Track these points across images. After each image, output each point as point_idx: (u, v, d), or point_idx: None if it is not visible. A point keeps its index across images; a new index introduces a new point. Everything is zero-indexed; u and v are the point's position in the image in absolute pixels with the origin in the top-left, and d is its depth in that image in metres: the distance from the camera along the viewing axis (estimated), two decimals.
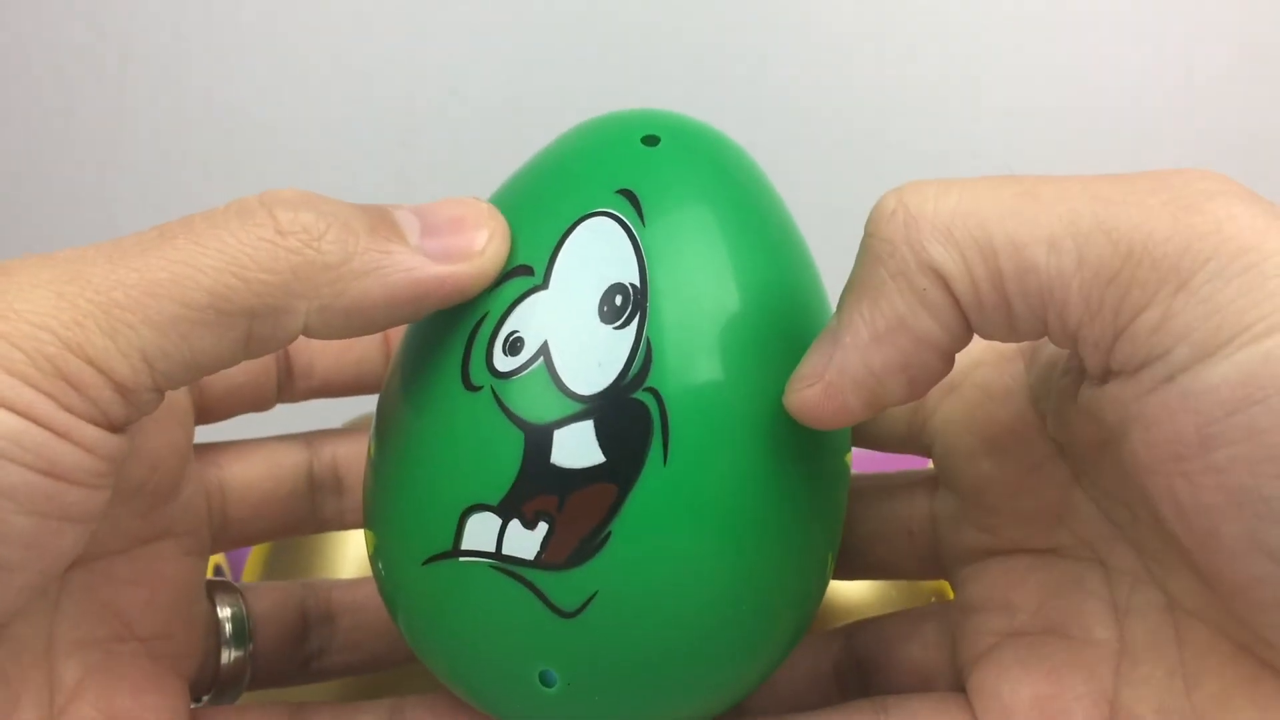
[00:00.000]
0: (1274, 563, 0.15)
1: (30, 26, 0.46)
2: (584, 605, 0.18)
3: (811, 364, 0.18)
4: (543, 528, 0.18)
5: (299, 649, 0.24)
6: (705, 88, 0.46)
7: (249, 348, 0.18)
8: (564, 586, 0.18)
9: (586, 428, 0.18)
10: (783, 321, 0.19)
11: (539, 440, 0.18)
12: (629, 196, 0.19)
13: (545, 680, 0.19)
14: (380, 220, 0.18)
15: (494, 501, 0.18)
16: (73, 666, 0.20)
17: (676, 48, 0.46)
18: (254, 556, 0.32)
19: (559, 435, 0.18)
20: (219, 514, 0.23)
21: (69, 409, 0.16)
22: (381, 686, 0.27)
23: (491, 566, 0.18)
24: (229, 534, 0.23)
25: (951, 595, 0.26)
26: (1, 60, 0.46)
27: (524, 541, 0.18)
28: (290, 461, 0.24)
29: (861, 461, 0.23)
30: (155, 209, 0.48)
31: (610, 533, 0.18)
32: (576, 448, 0.18)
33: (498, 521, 0.18)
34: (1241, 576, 0.16)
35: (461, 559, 0.18)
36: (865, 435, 0.23)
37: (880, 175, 0.47)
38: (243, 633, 0.23)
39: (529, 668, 0.19)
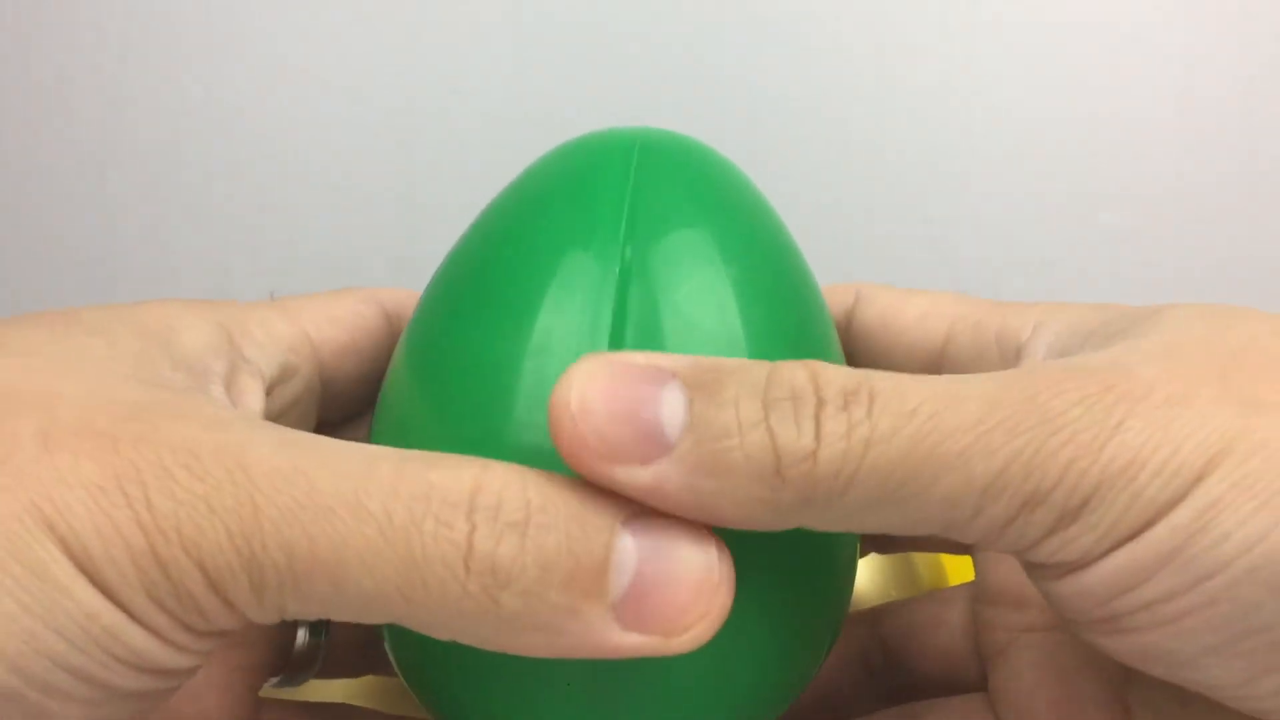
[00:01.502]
0: (1201, 686, 0.17)
1: (30, 26, 0.46)
2: None
3: (614, 431, 0.16)
4: None
5: (378, 644, 0.24)
6: (704, 88, 0.46)
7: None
8: None
9: None
10: (786, 350, 0.19)
11: None
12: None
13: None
14: (592, 562, 0.15)
15: None
16: None
17: (676, 48, 0.46)
18: None
19: None
20: None
21: (185, 624, 0.15)
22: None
23: None
24: None
25: (949, 580, 0.26)
26: (1, 60, 0.46)
27: None
28: None
29: None
30: (155, 209, 0.48)
31: None
32: None
33: None
34: (1178, 683, 0.17)
35: None
36: None
37: (876, 180, 0.47)
38: (320, 621, 0.23)
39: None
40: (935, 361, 0.22)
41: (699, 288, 0.18)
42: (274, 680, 0.23)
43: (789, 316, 0.20)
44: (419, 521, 0.15)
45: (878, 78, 0.46)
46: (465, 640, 0.16)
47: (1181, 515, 0.15)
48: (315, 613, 0.15)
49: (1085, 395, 0.16)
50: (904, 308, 0.23)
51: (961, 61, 0.46)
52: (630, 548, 0.16)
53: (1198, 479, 0.15)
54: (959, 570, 0.32)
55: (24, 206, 0.48)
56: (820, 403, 0.16)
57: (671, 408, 0.16)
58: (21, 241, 0.49)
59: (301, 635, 0.23)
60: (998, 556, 0.23)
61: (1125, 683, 0.20)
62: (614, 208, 0.19)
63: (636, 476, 0.16)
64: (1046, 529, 0.16)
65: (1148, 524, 0.15)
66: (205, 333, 0.19)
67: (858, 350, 0.23)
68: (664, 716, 0.18)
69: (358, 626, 0.23)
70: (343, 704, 0.24)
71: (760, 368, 0.16)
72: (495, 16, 0.45)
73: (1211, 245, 0.47)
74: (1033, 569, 0.17)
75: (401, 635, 0.20)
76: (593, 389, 0.16)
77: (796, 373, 0.16)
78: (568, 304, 0.18)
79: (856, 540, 0.21)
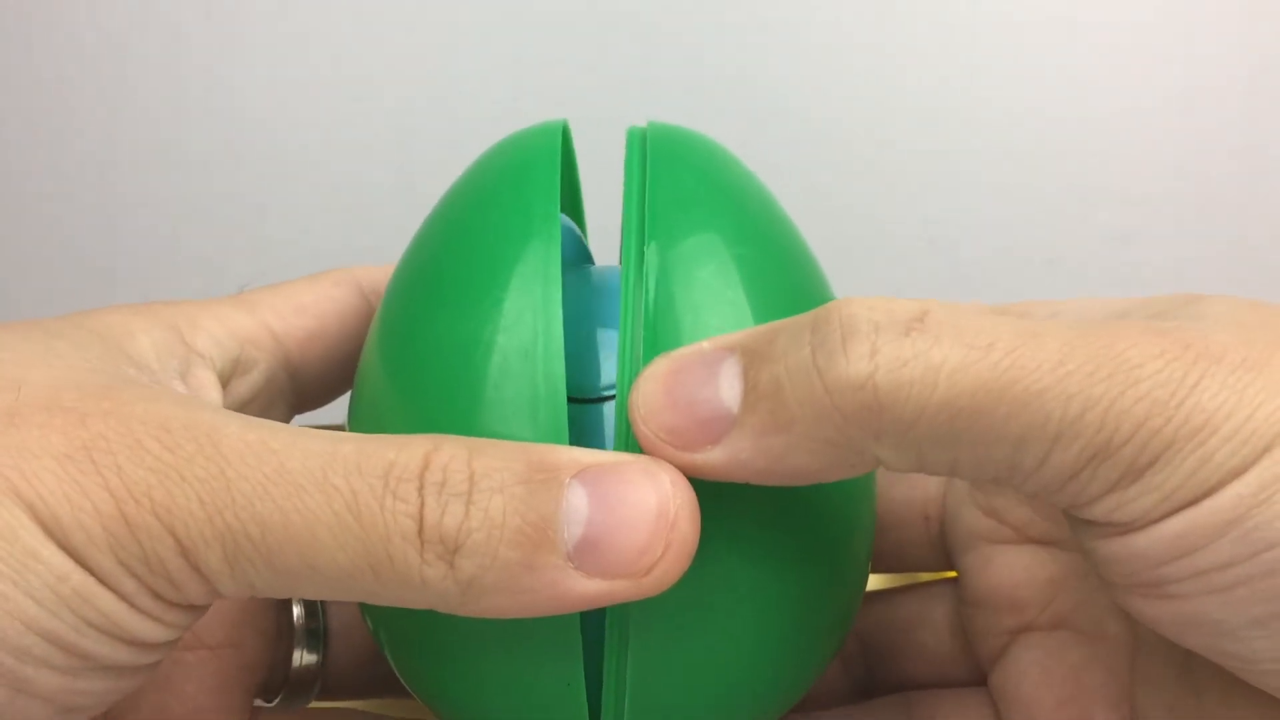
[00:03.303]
0: (1235, 659, 0.16)
1: (30, 26, 0.46)
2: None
3: (683, 422, 0.16)
4: None
5: (379, 664, 0.24)
6: (703, 87, 0.46)
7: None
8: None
9: None
10: None
11: None
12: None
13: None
14: (537, 516, 0.15)
15: None
16: None
17: (674, 49, 0.46)
18: None
19: None
20: None
21: (157, 594, 0.15)
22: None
23: None
24: None
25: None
26: (1, 60, 0.46)
27: None
28: None
29: None
30: (155, 209, 0.48)
31: None
32: None
33: None
34: (1210, 655, 0.17)
35: None
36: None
37: (876, 179, 0.47)
38: (317, 639, 0.23)
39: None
40: None
41: (716, 281, 0.18)
42: (273, 702, 0.23)
43: (804, 304, 0.19)
44: (379, 498, 0.15)
45: (877, 77, 0.46)
46: (440, 609, 0.16)
47: (1247, 484, 0.15)
48: (286, 588, 0.15)
49: (1164, 350, 0.15)
50: None
51: (961, 61, 0.46)
52: (580, 497, 0.16)
53: (1266, 449, 0.15)
54: None
55: (24, 206, 0.48)
56: (875, 329, 0.15)
57: (728, 381, 0.16)
58: (21, 241, 0.49)
59: (299, 654, 0.23)
60: (985, 558, 0.22)
61: (1132, 679, 0.20)
62: (630, 202, 0.19)
63: (712, 457, 0.16)
64: (1109, 485, 0.15)
65: (1211, 490, 0.15)
66: (156, 335, 0.20)
67: None
68: (675, 713, 0.18)
69: (358, 645, 0.23)
70: (346, 708, 0.24)
71: (809, 314, 0.16)
72: (497, 18, 0.45)
73: (1211, 245, 0.47)
74: (1082, 526, 0.17)
75: (398, 640, 0.20)
76: (651, 388, 0.16)
77: (849, 306, 0.16)
78: (524, 288, 0.18)
79: (873, 525, 0.21)
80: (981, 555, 0.22)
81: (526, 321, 0.18)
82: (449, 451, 0.16)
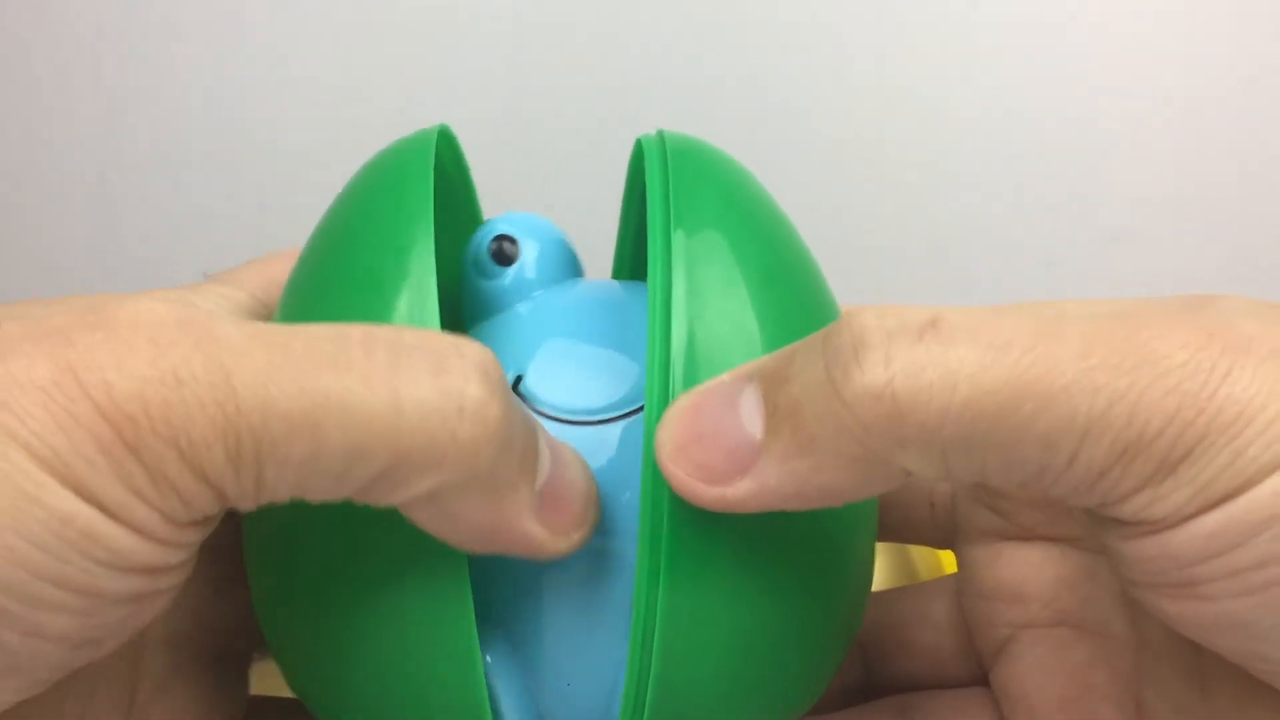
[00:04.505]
0: (1265, 661, 0.16)
1: (30, 26, 0.46)
2: None
3: (709, 456, 0.16)
4: None
5: None
6: (704, 87, 0.46)
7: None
8: None
9: None
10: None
11: None
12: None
13: None
14: (530, 446, 0.16)
15: None
16: (160, 663, 0.19)
17: (674, 49, 0.46)
18: None
19: None
20: None
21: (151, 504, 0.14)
22: None
23: None
24: None
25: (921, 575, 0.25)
26: (1, 60, 0.46)
27: None
28: None
29: None
30: (155, 209, 0.48)
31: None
32: None
33: None
34: (1236, 658, 0.16)
35: None
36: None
37: (876, 180, 0.47)
38: None
39: None
40: None
41: (744, 314, 0.18)
42: None
43: (809, 311, 0.19)
44: (404, 370, 0.15)
45: (877, 77, 0.46)
46: (430, 489, 0.15)
47: None
48: (294, 480, 0.15)
49: (1188, 340, 0.15)
50: None
51: (962, 62, 0.46)
52: (545, 446, 0.17)
53: None
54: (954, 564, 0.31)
55: (24, 206, 0.48)
56: (888, 337, 0.15)
57: (750, 409, 0.16)
58: (22, 241, 0.49)
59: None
60: (993, 553, 0.22)
61: (1138, 677, 0.20)
62: (656, 213, 0.18)
63: (742, 489, 0.16)
64: (1142, 480, 0.15)
65: (1247, 484, 0.14)
66: (166, 298, 0.19)
67: None
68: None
69: None
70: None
71: (821, 331, 0.16)
72: (496, 23, 0.45)
73: (1211, 245, 0.47)
74: (1109, 525, 0.16)
75: (296, 655, 0.19)
76: (675, 425, 0.16)
77: (859, 317, 0.15)
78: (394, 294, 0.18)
79: (875, 529, 0.20)
80: (989, 550, 0.22)
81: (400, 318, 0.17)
82: (480, 348, 0.16)
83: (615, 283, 0.22)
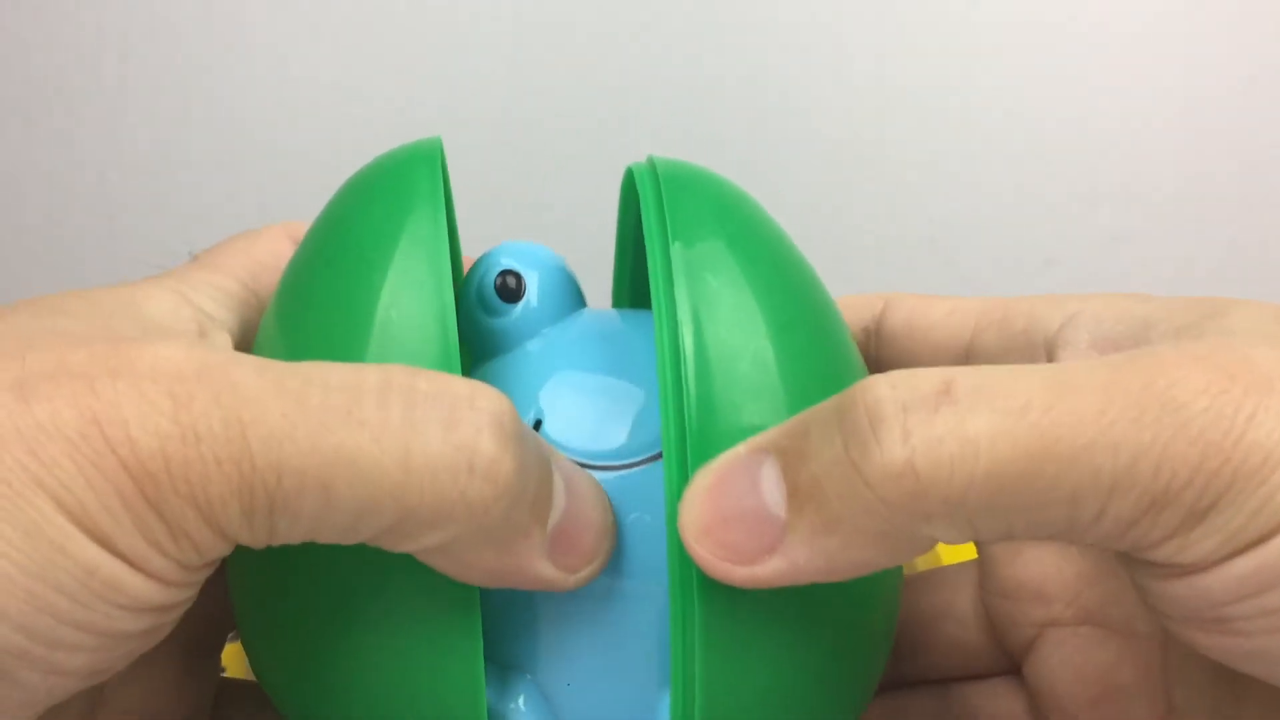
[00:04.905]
0: None
1: (30, 26, 0.46)
2: None
3: (735, 538, 0.16)
4: None
5: None
6: (703, 89, 0.46)
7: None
8: None
9: None
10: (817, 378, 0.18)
11: None
12: None
13: None
14: (543, 492, 0.16)
15: None
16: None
17: (676, 47, 0.46)
18: None
19: None
20: None
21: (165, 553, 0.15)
22: None
23: None
24: None
25: (942, 559, 0.25)
26: (1, 60, 0.46)
27: None
28: None
29: None
30: (155, 209, 0.48)
31: None
32: None
33: None
34: (1273, 681, 0.16)
35: None
36: None
37: (876, 180, 0.47)
38: None
39: None
40: (962, 359, 0.21)
41: (738, 318, 0.18)
42: None
43: (823, 338, 0.19)
44: (415, 427, 0.15)
45: (878, 77, 0.46)
46: (440, 543, 0.15)
47: None
48: (305, 529, 0.15)
49: (1209, 384, 0.15)
50: (930, 309, 0.22)
51: (962, 61, 0.46)
52: (560, 484, 0.17)
53: None
54: (951, 551, 0.31)
55: (24, 206, 0.48)
56: (903, 410, 0.15)
57: (770, 485, 0.16)
58: (22, 241, 0.49)
59: None
60: (1013, 550, 0.22)
61: (1166, 676, 0.20)
62: (652, 245, 0.18)
63: (771, 566, 0.16)
64: (1171, 530, 0.15)
65: (1276, 530, 0.14)
66: (168, 300, 0.19)
67: (886, 355, 0.23)
68: None
69: None
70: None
71: (834, 401, 0.16)
72: (496, 25, 0.45)
73: (1211, 245, 0.47)
74: (1139, 567, 0.16)
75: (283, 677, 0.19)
76: (696, 510, 0.16)
77: (872, 390, 0.15)
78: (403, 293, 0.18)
79: None
80: (1009, 547, 0.22)
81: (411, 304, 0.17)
82: (495, 394, 0.16)
83: (620, 313, 0.22)
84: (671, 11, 0.45)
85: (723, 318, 0.17)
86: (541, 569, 0.16)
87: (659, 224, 0.18)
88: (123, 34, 0.46)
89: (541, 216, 0.46)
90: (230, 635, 0.23)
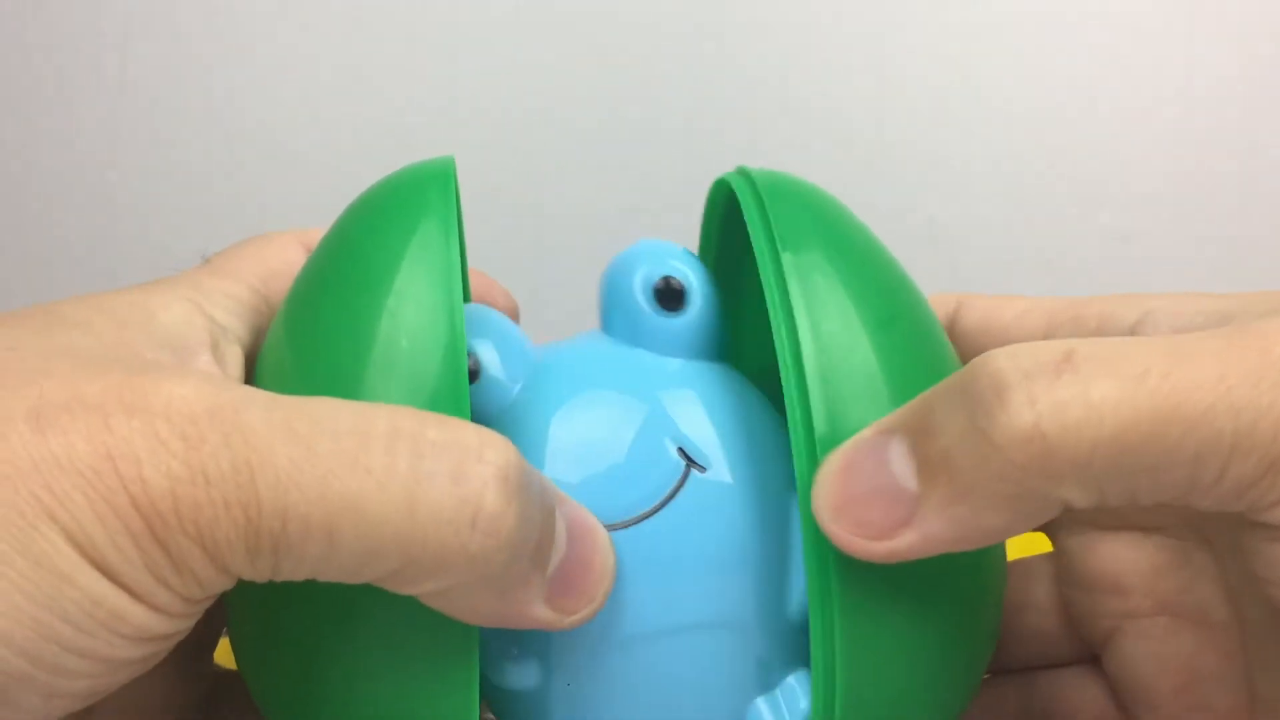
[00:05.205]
0: None
1: (30, 26, 0.46)
2: None
3: (869, 514, 0.17)
4: None
5: None
6: (706, 84, 0.46)
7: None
8: None
9: None
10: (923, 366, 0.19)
11: None
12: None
13: None
14: (545, 539, 0.17)
15: None
16: None
17: (676, 46, 0.46)
18: None
19: None
20: None
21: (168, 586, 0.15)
22: None
23: None
24: None
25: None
26: (2, 60, 0.46)
27: None
28: None
29: None
30: (156, 209, 0.48)
31: None
32: None
33: None
34: None
35: None
36: None
37: (876, 179, 0.47)
38: None
39: None
40: None
41: (845, 317, 0.19)
42: None
43: (922, 330, 0.20)
44: (422, 477, 0.15)
45: (880, 75, 0.46)
46: (440, 589, 0.16)
47: None
48: (309, 571, 0.15)
49: None
50: (1004, 309, 0.23)
51: (964, 60, 0.46)
52: (563, 529, 0.17)
53: None
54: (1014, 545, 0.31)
55: (24, 206, 0.48)
56: (1026, 377, 0.15)
57: (899, 462, 0.17)
58: (22, 241, 0.49)
59: None
60: (1088, 543, 0.23)
61: (1246, 662, 0.21)
62: (762, 253, 0.19)
63: (907, 539, 0.17)
64: None
65: None
66: (181, 310, 0.20)
67: (962, 354, 0.23)
68: None
69: None
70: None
71: (955, 378, 0.16)
72: (497, 26, 0.45)
73: (1211, 245, 0.47)
74: (1252, 530, 0.17)
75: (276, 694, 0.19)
76: (828, 491, 0.17)
77: (993, 362, 0.16)
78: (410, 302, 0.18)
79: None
80: (1085, 539, 0.22)
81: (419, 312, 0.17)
82: (503, 444, 0.16)
83: (596, 348, 0.22)
84: (671, 11, 0.45)
85: (834, 316, 0.18)
86: (539, 613, 0.17)
87: (765, 233, 0.19)
88: (123, 34, 0.46)
89: (544, 226, 0.46)
90: (224, 631, 0.23)
